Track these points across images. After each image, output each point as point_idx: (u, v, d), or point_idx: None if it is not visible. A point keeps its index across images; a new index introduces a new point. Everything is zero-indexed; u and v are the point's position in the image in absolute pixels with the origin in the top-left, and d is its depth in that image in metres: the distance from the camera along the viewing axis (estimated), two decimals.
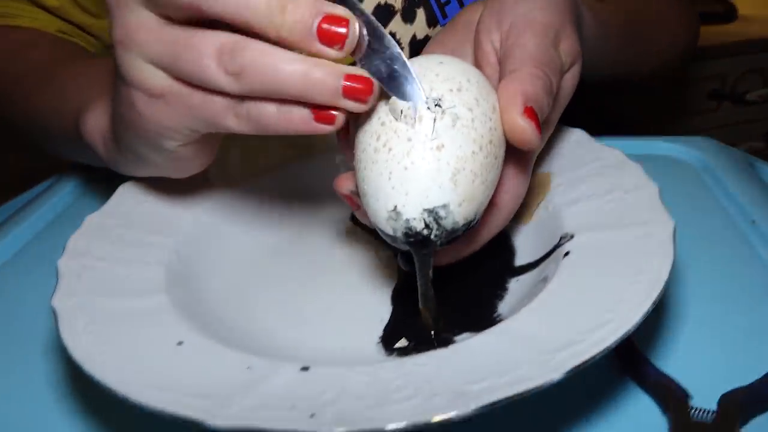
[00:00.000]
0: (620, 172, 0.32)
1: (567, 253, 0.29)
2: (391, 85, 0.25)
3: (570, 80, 0.30)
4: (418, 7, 0.44)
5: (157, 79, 0.26)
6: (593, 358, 0.21)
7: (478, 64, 0.31)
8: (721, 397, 0.25)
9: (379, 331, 0.30)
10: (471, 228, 0.26)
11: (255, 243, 0.35)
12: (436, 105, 0.25)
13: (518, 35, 0.28)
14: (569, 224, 0.31)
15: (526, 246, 0.33)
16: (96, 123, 0.33)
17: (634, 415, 0.26)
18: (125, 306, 0.27)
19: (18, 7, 0.45)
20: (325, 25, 0.23)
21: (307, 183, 0.37)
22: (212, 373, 0.23)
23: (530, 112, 0.25)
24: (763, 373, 0.26)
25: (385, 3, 0.43)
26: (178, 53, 0.25)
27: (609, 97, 0.72)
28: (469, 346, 0.24)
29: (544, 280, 0.28)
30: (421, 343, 0.28)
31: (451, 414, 0.20)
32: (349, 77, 0.24)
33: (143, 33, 0.26)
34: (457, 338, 0.28)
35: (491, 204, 0.28)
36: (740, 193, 0.38)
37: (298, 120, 0.25)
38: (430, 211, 0.25)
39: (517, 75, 0.26)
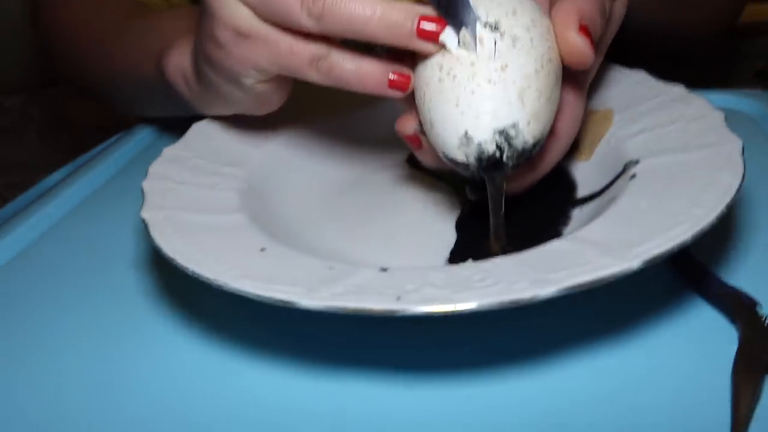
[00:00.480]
0: (683, 104, 0.33)
1: (633, 176, 0.29)
2: (449, 11, 0.26)
3: (619, 7, 0.31)
4: None
5: (246, 18, 0.28)
6: (671, 250, 0.22)
7: None
8: None
9: (446, 254, 0.31)
10: (537, 148, 0.27)
11: (323, 179, 0.36)
12: (494, 28, 0.26)
13: None
14: (633, 152, 0.31)
15: (587, 180, 0.34)
16: (179, 61, 0.35)
17: (702, 327, 0.26)
18: (207, 220, 0.29)
19: None
20: None
21: (374, 127, 0.38)
22: (297, 271, 0.25)
23: (585, 30, 0.26)
24: None
25: None
26: None
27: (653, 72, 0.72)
28: (542, 249, 0.25)
29: (611, 201, 0.29)
30: None
31: (535, 293, 0.21)
32: (424, 18, 0.25)
33: None
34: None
35: (551, 131, 0.28)
36: None
37: (373, 82, 0.27)
38: (501, 132, 0.25)
39: None
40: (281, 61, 0.28)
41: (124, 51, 0.41)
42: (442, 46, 0.26)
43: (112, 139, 0.48)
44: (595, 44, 0.27)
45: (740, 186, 0.25)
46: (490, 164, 0.26)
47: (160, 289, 0.32)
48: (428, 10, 0.26)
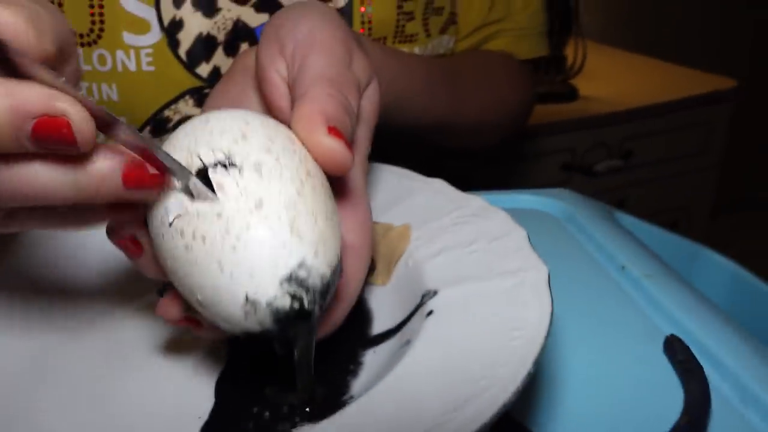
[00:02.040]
0: (484, 219, 0.29)
1: (430, 313, 0.24)
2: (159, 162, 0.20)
3: (371, 97, 0.27)
4: (243, 41, 0.40)
5: None
6: None
7: (268, 100, 0.27)
8: None
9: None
10: (338, 274, 0.22)
11: (35, 329, 0.27)
12: (229, 164, 0.20)
13: (304, 56, 0.25)
14: (431, 280, 0.26)
15: (384, 310, 0.28)
16: None
17: None
18: None
19: None
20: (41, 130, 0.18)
21: (104, 248, 0.29)
22: None
23: (334, 131, 0.22)
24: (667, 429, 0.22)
25: (207, 34, 0.39)
26: None
27: (456, 164, 0.69)
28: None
29: (407, 344, 0.23)
30: None
31: None
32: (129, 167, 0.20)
33: None
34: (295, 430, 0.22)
35: (343, 246, 0.23)
36: (607, 240, 0.36)
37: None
38: (290, 278, 0.20)
39: (310, 96, 0.23)
40: None
41: None
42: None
43: None
44: (350, 144, 0.23)
45: (548, 331, 0.20)
46: (292, 320, 0.20)
47: None
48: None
